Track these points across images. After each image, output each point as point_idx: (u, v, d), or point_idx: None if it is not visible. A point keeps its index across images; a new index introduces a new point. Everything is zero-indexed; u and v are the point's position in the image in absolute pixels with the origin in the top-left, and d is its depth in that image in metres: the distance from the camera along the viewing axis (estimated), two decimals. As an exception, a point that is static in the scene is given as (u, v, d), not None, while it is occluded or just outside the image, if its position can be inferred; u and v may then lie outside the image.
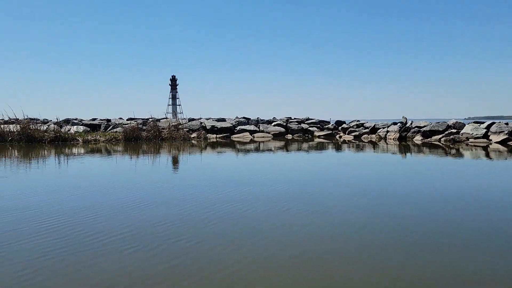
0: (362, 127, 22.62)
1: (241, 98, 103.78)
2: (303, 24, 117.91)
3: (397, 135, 19.73)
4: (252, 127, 23.55)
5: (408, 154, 12.99)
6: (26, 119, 18.62)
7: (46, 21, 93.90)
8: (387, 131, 20.60)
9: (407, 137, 19.65)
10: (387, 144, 17.35)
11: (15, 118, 18.40)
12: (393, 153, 13.40)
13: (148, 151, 14.32)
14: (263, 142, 19.91)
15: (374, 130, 21.75)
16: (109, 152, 13.56)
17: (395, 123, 21.11)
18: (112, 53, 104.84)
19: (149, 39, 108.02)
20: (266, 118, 26.23)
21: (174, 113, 63.65)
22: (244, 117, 25.55)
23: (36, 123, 18.82)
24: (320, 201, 5.40)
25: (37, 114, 30.44)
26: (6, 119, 18.56)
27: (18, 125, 17.53)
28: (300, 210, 4.84)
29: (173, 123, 21.49)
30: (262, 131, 23.49)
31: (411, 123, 20.26)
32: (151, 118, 22.39)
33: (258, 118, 25.83)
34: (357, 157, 12.19)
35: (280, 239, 3.71)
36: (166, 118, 25.33)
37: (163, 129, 20.33)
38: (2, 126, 17.58)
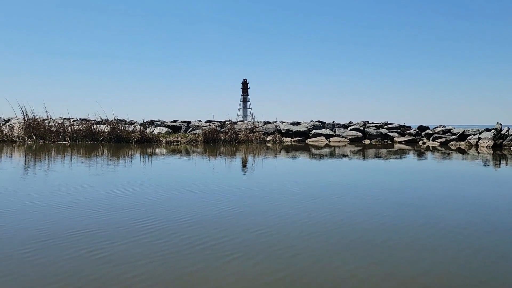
0: (449, 133, 20.99)
1: (316, 102, 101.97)
2: (382, 26, 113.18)
3: (491, 142, 17.97)
4: (327, 131, 23.02)
5: None
6: (116, 120, 20.00)
7: (131, 37, 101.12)
8: (479, 138, 18.88)
9: (503, 146, 17.81)
10: (479, 152, 15.86)
11: (106, 119, 19.86)
12: (497, 164, 12.15)
13: (226, 153, 14.57)
14: (339, 146, 19.33)
15: (463, 136, 20.07)
16: (191, 153, 14.01)
17: (488, 130, 19.27)
18: (186, 56, 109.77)
19: (222, 42, 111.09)
20: (342, 122, 25.51)
21: (245, 116, 64.73)
22: (319, 121, 25.08)
23: (124, 124, 20.15)
24: (441, 222, 4.93)
25: (125, 115, 32.70)
26: (98, 120, 20.10)
27: (108, 126, 18.89)
28: (411, 226, 4.44)
29: (249, 126, 21.73)
30: (338, 136, 22.85)
31: (507, 130, 18.35)
32: (228, 121, 22.88)
33: (333, 122, 25.20)
34: (450, 165, 11.23)
35: (394, 261, 3.38)
36: (242, 121, 25.74)
37: (239, 131, 20.64)
38: (94, 126, 19.04)
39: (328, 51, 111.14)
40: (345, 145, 20.16)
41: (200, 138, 19.26)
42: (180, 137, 19.27)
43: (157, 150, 14.97)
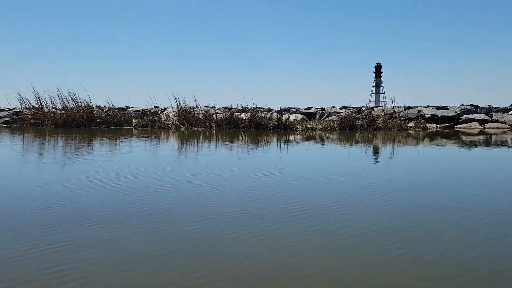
0: None
1: (465, 84, 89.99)
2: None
3: None
4: (482, 116, 20.25)
5: None
6: (254, 107, 20.97)
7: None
8: None
9: None
10: None
11: (246, 107, 20.99)
12: None
13: (364, 140, 13.98)
14: (497, 134, 16.80)
15: None
16: (327, 140, 13.85)
17: None
18: (318, 41, 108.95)
19: (354, 25, 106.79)
20: (501, 106, 22.14)
21: (377, 102, 61.13)
22: (471, 105, 22.22)
23: (262, 111, 21.01)
24: None
25: (263, 103, 34.34)
26: (239, 108, 21.36)
27: (248, 113, 19.92)
28: None
29: (388, 112, 20.47)
30: (496, 121, 19.91)
31: None
32: (364, 107, 21.96)
33: (489, 105, 22.04)
34: None
35: None
36: (380, 106, 24.42)
37: (377, 117, 19.62)
38: (235, 114, 20.29)
39: (480, 19, 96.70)
40: (505, 132, 17.47)
41: (335, 125, 18.92)
42: (315, 124, 19.24)
43: (294, 137, 15.20)
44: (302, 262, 2.80)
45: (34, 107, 21.44)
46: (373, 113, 19.98)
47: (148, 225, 3.59)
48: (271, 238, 3.29)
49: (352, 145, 12.44)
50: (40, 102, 21.37)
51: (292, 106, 25.23)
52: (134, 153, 9.66)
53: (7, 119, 21.55)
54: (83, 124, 20.05)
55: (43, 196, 4.74)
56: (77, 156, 9.13)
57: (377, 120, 19.34)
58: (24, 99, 21.59)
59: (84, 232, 3.39)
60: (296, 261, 2.82)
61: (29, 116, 20.96)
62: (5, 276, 2.51)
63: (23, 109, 21.63)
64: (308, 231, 3.48)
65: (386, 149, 11.30)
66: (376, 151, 10.77)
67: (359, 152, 10.53)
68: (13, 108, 23.03)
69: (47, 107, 21.32)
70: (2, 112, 22.67)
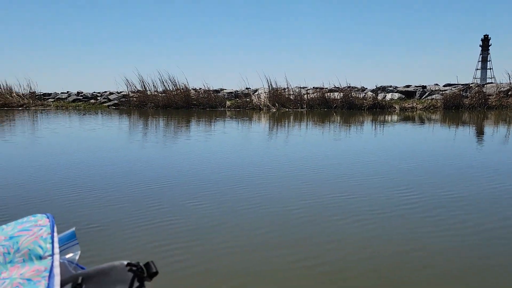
0: None
1: None
2: None
3: None
4: None
5: None
6: (347, 87, 20.10)
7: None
8: None
9: None
10: None
11: (338, 86, 20.21)
12: None
13: (473, 121, 12.54)
14: None
15: None
16: (433, 121, 12.71)
17: None
18: (415, 17, 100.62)
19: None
20: None
21: (483, 78, 54.25)
22: None
23: (356, 91, 20.04)
24: None
25: (357, 82, 32.64)
26: (331, 87, 20.65)
27: (340, 93, 19.16)
28: None
29: (502, 89, 18.11)
30: None
31: None
32: (473, 83, 19.73)
33: None
34: None
35: None
36: (493, 83, 21.76)
37: (489, 95, 17.48)
38: (327, 94, 19.65)
39: None
40: None
41: (439, 104, 17.29)
42: (415, 103, 17.81)
43: (392, 117, 14.22)
44: (417, 256, 2.46)
45: (138, 90, 23.17)
46: (484, 90, 17.85)
47: (246, 205, 3.51)
48: (376, 223, 2.97)
49: (462, 126, 11.22)
50: (144, 85, 23.03)
51: (389, 84, 23.67)
52: (228, 134, 9.84)
53: (116, 101, 23.65)
54: (181, 106, 21.15)
55: (146, 173, 4.97)
56: (176, 136, 9.58)
57: (489, 98, 17.23)
58: (130, 83, 23.45)
59: (183, 209, 3.42)
60: (407, 251, 2.48)
61: (134, 98, 22.73)
62: (112, 248, 2.60)
63: (129, 92, 23.50)
64: (422, 221, 3.08)
65: (503, 131, 9.95)
66: (492, 133, 9.54)
67: (474, 134, 9.42)
68: (121, 92, 25.18)
69: (149, 90, 22.89)
70: (112, 95, 24.95)
